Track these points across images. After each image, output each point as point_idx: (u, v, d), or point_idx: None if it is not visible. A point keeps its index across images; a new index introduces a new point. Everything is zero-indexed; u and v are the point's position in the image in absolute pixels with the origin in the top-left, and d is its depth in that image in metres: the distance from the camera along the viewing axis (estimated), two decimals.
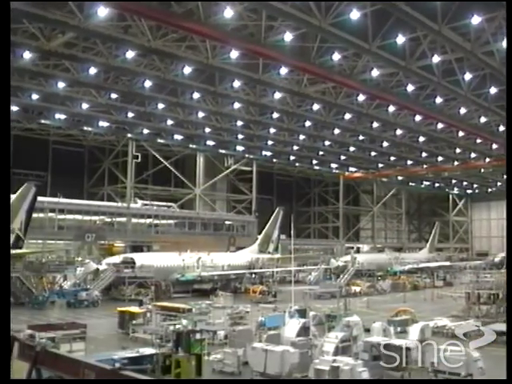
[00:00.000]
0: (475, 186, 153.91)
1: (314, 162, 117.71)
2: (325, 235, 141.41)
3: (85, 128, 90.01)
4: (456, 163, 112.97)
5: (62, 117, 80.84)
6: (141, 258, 72.32)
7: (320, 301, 61.86)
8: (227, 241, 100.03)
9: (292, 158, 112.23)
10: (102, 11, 43.11)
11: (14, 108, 74.87)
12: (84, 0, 43.07)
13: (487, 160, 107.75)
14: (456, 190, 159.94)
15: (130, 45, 50.82)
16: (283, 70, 56.96)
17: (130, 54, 53.18)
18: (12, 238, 65.12)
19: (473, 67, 56.34)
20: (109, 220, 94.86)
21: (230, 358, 31.79)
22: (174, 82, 61.40)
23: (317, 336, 33.29)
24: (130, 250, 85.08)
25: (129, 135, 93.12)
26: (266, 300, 63.59)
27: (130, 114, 78.41)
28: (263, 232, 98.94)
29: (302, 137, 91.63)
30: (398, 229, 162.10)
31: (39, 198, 70.50)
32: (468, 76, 57.65)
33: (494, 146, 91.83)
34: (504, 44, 46.50)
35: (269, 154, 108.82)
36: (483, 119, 75.69)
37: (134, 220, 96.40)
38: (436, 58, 52.31)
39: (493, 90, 61.37)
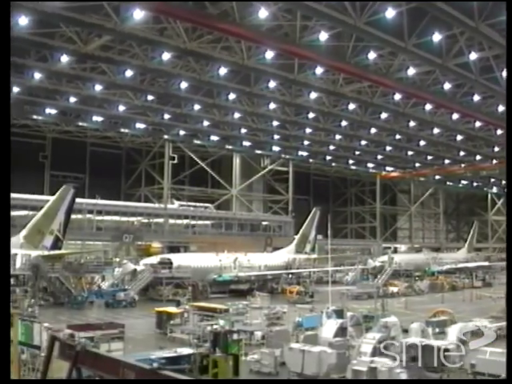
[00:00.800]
0: None
1: (351, 161, 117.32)
2: (362, 235, 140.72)
3: (122, 130, 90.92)
4: (494, 162, 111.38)
5: (99, 119, 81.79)
6: (178, 259, 72.66)
7: (357, 301, 61.54)
8: (264, 241, 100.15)
9: (328, 157, 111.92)
10: (138, 14, 43.30)
11: (52, 111, 76.10)
12: (121, 0, 43.30)
13: None
14: (495, 189, 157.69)
15: (165, 47, 51.14)
16: (319, 70, 56.67)
17: (166, 56, 53.45)
18: (51, 239, 66.17)
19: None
20: (146, 221, 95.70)
21: (267, 359, 31.76)
22: (209, 83, 61.60)
23: (354, 337, 33.10)
24: (167, 250, 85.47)
25: (165, 136, 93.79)
26: (303, 300, 63.41)
27: (167, 116, 78.96)
28: (300, 232, 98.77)
29: (338, 136, 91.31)
30: (435, 228, 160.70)
31: (78, 200, 71.49)
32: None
33: None
34: None
35: (305, 154, 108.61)
36: None
37: (171, 221, 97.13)
38: (473, 56, 51.41)
39: None
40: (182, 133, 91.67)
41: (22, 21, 44.04)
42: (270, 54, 51.62)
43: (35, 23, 45.77)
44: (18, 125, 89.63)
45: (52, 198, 68.78)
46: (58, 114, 78.77)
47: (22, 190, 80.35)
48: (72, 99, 69.64)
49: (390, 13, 42.38)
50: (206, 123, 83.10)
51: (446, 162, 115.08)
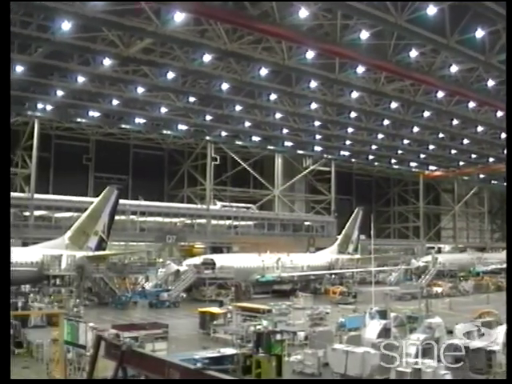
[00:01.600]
0: None
1: (393, 161, 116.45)
2: (405, 235, 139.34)
3: (164, 131, 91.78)
4: None
5: (142, 121, 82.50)
6: (221, 259, 73.02)
7: (401, 302, 61.14)
8: (306, 241, 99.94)
9: (371, 157, 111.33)
10: (179, 16, 43.65)
11: (95, 114, 77.05)
12: (161, 0, 43.54)
13: None
14: None
15: (206, 48, 51.39)
16: (360, 69, 56.44)
17: (207, 58, 53.72)
18: (96, 240, 67.06)
19: None
20: (189, 222, 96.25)
21: (311, 359, 31.75)
22: (250, 83, 61.76)
23: (398, 338, 32.83)
24: (210, 251, 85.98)
25: (207, 138, 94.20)
26: (346, 301, 63.33)
27: (208, 117, 79.33)
28: (343, 232, 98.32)
29: (380, 136, 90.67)
30: (480, 228, 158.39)
31: (121, 201, 72.36)
32: None
33: None
34: None
35: (347, 153, 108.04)
36: None
37: (213, 221, 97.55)
38: None
39: None
40: (223, 134, 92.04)
41: (65, 26, 44.80)
42: (310, 54, 51.50)
43: (78, 28, 46.50)
44: (62, 128, 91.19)
45: (96, 200, 69.65)
46: (101, 117, 79.75)
47: (67, 192, 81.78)
48: (115, 102, 70.48)
49: (432, 10, 42.01)
50: (247, 124, 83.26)
51: (491, 160, 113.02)
